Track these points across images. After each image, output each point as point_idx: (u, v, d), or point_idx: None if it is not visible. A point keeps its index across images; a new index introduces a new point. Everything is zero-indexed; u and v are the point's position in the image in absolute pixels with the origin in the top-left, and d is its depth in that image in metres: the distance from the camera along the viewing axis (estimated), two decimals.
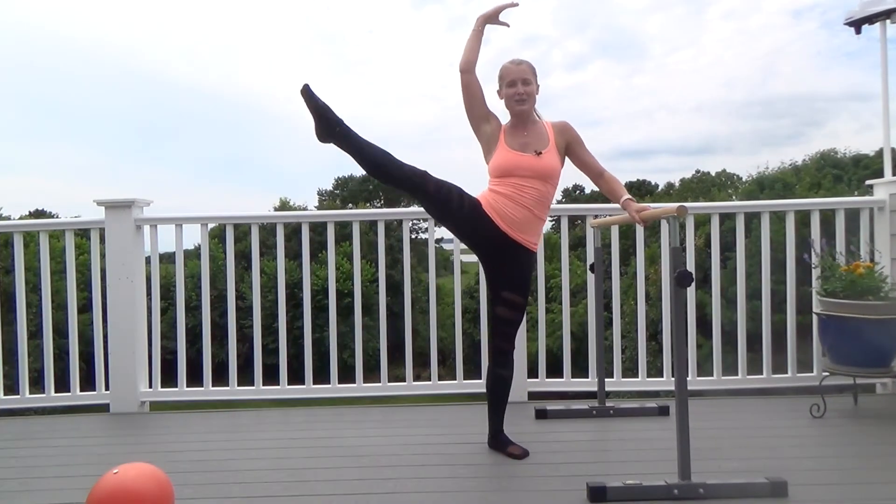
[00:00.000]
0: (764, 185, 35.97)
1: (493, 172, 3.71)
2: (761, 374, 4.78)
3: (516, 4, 3.71)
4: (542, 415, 4.38)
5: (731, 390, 4.81)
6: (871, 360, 4.19)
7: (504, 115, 3.79)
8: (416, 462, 3.68)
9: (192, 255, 19.09)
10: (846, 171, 37.13)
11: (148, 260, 4.95)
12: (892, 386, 4.72)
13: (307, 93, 3.47)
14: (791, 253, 4.76)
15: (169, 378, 4.91)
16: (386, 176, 3.59)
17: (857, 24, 5.01)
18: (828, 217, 4.81)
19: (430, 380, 4.89)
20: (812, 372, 4.76)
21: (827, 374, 4.36)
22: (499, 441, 3.73)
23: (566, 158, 3.79)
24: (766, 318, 4.76)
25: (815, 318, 4.54)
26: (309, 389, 4.92)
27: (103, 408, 4.84)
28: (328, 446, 3.96)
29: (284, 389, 4.90)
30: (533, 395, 4.81)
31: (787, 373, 4.77)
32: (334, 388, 4.88)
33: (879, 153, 5.74)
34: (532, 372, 4.84)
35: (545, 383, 4.87)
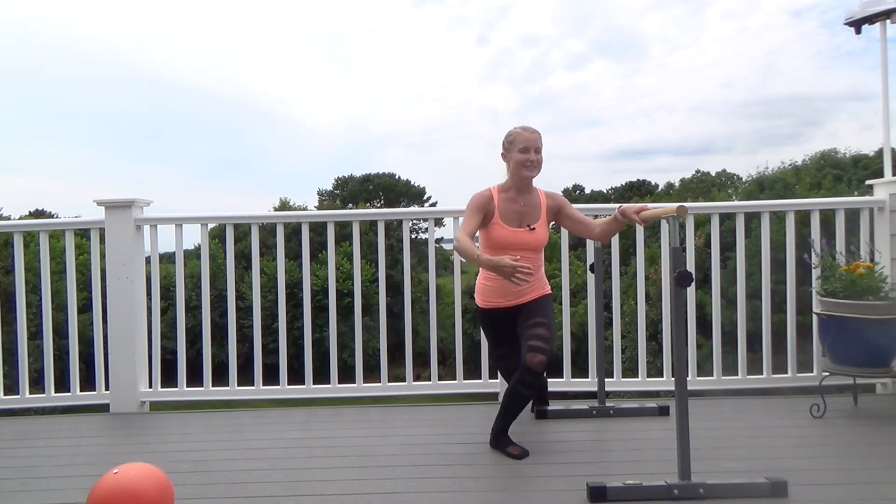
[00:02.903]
0: (764, 185, 36.03)
1: (486, 243, 3.92)
2: (761, 374, 4.78)
3: (531, 274, 3.55)
4: (542, 415, 4.38)
5: (731, 390, 4.81)
6: (871, 360, 4.19)
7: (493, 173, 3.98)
8: (416, 462, 3.68)
9: (192, 255, 19.15)
10: (846, 171, 37.17)
11: (148, 260, 4.95)
12: (892, 386, 4.73)
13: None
14: (791, 253, 4.76)
15: (169, 378, 4.91)
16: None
17: (857, 24, 5.01)
18: (828, 217, 4.82)
19: (430, 380, 4.90)
20: (812, 372, 4.75)
21: (827, 374, 4.35)
22: (500, 440, 3.74)
23: (555, 222, 4.09)
24: (766, 318, 4.76)
25: (815, 318, 4.54)
26: (309, 389, 4.92)
27: (103, 408, 4.84)
28: (328, 446, 3.96)
29: (284, 389, 4.90)
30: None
31: (787, 373, 4.77)
32: (334, 388, 4.88)
33: (879, 153, 5.73)
34: None
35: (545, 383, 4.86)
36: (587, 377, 4.77)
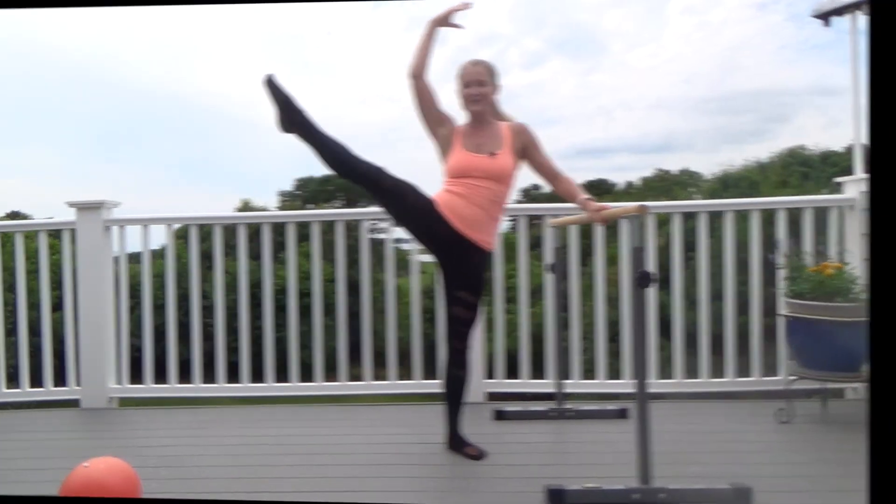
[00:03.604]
0: (728, 184, 36.03)
1: (448, 173, 3.74)
2: (725, 377, 4.77)
3: (469, 6, 3.69)
4: (500, 416, 4.36)
5: (693, 393, 4.79)
6: (840, 364, 4.09)
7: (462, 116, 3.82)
8: (376, 461, 3.68)
9: (159, 255, 19.03)
10: (814, 169, 37.32)
11: (116, 260, 4.99)
12: (861, 391, 4.58)
13: (271, 83, 3.49)
14: (756, 253, 4.71)
15: (137, 375, 4.97)
16: (345, 169, 3.60)
17: (825, 17, 4.96)
18: (795, 216, 4.75)
19: (388, 379, 4.94)
20: (778, 376, 4.70)
21: (794, 377, 4.27)
22: (455, 440, 3.73)
23: (523, 160, 3.81)
24: (729, 320, 4.73)
25: (781, 320, 4.51)
26: (270, 387, 4.96)
27: (75, 403, 4.92)
28: (288, 444, 4.00)
29: (246, 387, 4.96)
30: (492, 396, 4.82)
31: (751, 376, 4.74)
32: (294, 387, 4.94)
33: (848, 149, 5.73)
34: (490, 372, 4.86)
35: (503, 384, 4.86)
36: (546, 378, 4.80)
